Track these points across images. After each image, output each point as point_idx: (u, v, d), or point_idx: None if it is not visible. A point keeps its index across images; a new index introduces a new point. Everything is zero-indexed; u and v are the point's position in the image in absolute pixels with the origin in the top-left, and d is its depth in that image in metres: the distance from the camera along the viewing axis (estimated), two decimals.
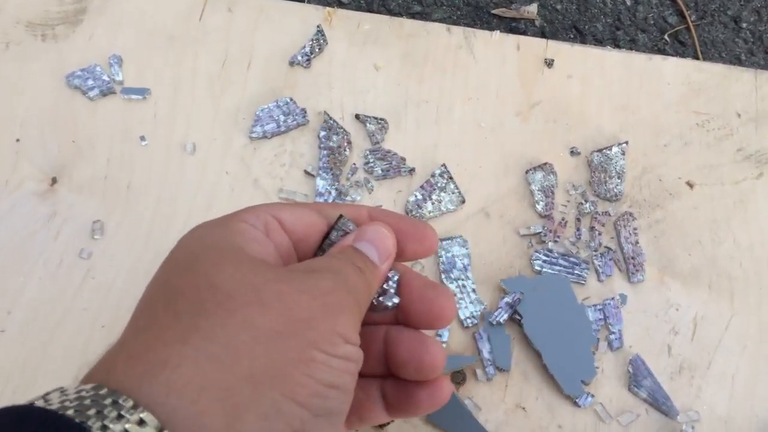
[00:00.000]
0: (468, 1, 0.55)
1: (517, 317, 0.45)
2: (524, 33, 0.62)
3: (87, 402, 0.21)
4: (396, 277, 0.33)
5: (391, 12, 0.59)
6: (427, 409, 0.33)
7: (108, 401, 0.22)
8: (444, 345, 0.45)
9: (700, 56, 0.58)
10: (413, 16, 0.56)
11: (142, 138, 0.50)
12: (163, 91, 0.52)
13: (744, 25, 0.57)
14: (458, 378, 0.44)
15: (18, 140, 0.49)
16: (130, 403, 0.22)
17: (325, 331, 0.26)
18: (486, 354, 0.44)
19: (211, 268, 0.26)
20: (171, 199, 0.48)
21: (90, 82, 0.52)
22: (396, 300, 0.33)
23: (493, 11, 0.57)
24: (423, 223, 0.34)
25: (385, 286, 0.32)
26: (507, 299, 0.45)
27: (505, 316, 0.45)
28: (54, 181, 0.48)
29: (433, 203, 0.49)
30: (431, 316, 0.32)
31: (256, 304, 0.25)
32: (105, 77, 0.52)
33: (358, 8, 0.60)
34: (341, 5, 0.61)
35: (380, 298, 0.32)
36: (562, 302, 0.46)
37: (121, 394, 0.22)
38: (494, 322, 0.45)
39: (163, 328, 0.25)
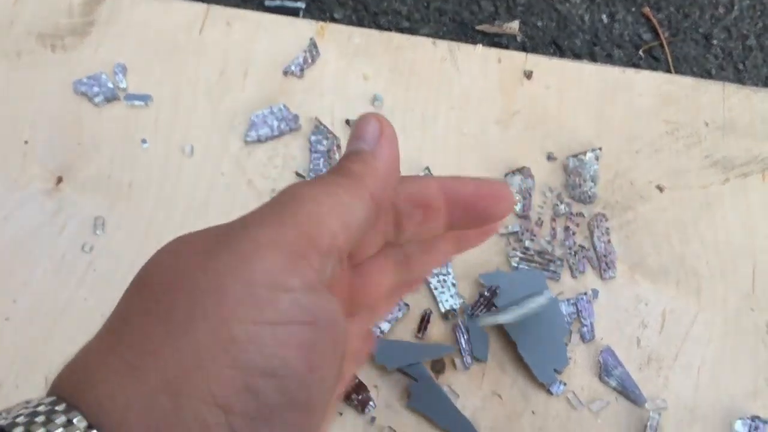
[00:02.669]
0: (453, 18, 0.59)
1: (495, 309, 0.47)
2: (506, 48, 0.65)
3: (39, 419, 0.18)
4: None
5: (381, 27, 0.63)
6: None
7: (61, 420, 0.18)
8: (420, 336, 0.47)
9: (673, 71, 0.61)
10: (402, 31, 0.59)
11: (144, 141, 0.53)
12: (165, 98, 0.55)
13: (715, 42, 0.60)
14: (438, 366, 0.46)
15: (26, 142, 0.52)
16: (84, 423, 0.18)
17: (243, 289, 0.19)
18: (464, 344, 0.47)
19: (156, 263, 0.22)
20: (169, 197, 0.51)
21: (96, 89, 0.55)
22: None
23: (477, 27, 0.60)
24: (499, 183, 0.28)
25: None
26: (485, 294, 0.48)
27: (482, 309, 0.47)
28: (59, 180, 0.51)
29: None
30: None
31: (171, 290, 0.20)
32: (110, 84, 0.55)
33: (350, 23, 0.63)
34: (334, 20, 0.65)
35: None
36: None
37: (77, 413, 0.18)
38: (471, 315, 0.47)
39: (104, 335, 0.21)
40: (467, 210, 0.27)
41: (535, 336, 0.46)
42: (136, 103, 0.55)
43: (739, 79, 0.60)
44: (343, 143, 0.53)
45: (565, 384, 0.46)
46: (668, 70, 0.63)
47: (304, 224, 0.21)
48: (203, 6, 0.58)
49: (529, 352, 0.46)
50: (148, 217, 0.50)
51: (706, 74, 0.61)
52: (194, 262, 0.21)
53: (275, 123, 0.54)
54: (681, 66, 0.61)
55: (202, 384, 0.18)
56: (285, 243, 0.20)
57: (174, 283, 0.20)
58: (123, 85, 0.55)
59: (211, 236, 0.22)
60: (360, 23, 0.63)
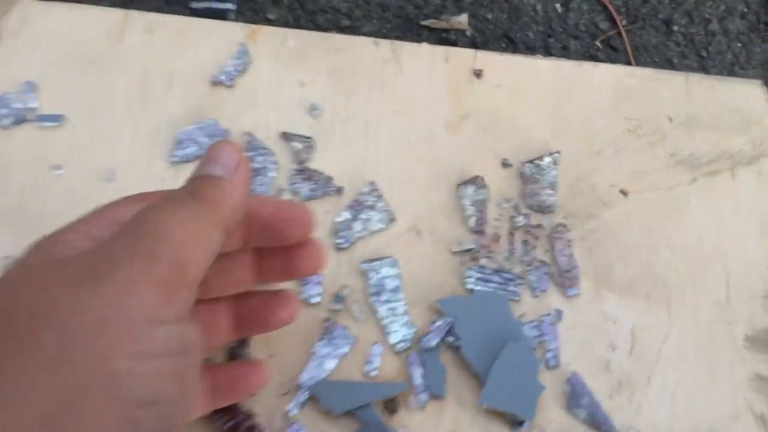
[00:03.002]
0: (397, 14, 0.54)
1: (453, 339, 0.43)
2: (455, 44, 0.61)
3: None
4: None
5: (319, 27, 0.58)
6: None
7: None
8: (375, 372, 0.43)
9: (633, 61, 0.58)
10: (342, 30, 0.54)
11: (58, 167, 0.48)
12: (80, 117, 0.49)
13: (675, 28, 0.56)
14: (390, 407, 0.42)
15: None
16: None
17: (123, 324, 0.20)
18: (419, 380, 0.43)
19: (13, 291, 0.21)
20: None
21: (2, 111, 0.49)
22: None
23: (423, 23, 0.56)
24: (301, 207, 0.30)
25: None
26: (438, 323, 0.43)
27: (437, 341, 0.43)
28: None
29: (362, 222, 0.47)
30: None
31: (36, 323, 0.19)
32: (18, 105, 0.49)
33: (286, 24, 0.58)
34: (268, 21, 0.60)
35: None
36: (499, 321, 0.44)
37: None
38: (425, 347, 0.43)
39: None
40: (265, 229, 0.28)
41: (504, 369, 0.42)
42: (48, 124, 0.49)
43: (703, 67, 0.56)
44: (279, 158, 0.49)
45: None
46: (628, 61, 0.59)
47: (173, 258, 0.22)
48: (121, 12, 0.53)
49: (498, 388, 0.42)
50: None
51: (668, 63, 0.57)
52: (63, 295, 0.20)
53: (204, 140, 0.49)
54: (641, 55, 0.57)
55: (83, 419, 0.18)
56: (158, 279, 0.21)
57: (40, 316, 0.20)
58: (33, 105, 0.50)
59: (76, 267, 0.21)
60: (296, 23, 0.58)
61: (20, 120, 0.49)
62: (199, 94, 0.51)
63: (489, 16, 0.55)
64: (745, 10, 0.58)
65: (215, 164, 0.27)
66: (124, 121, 0.49)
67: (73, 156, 0.48)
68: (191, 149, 0.49)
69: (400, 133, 0.50)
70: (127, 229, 0.23)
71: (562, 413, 0.42)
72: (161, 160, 0.48)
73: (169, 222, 0.23)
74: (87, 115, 0.49)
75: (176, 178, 0.48)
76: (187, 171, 0.48)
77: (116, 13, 0.53)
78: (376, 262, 0.46)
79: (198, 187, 0.26)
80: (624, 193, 0.48)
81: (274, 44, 0.53)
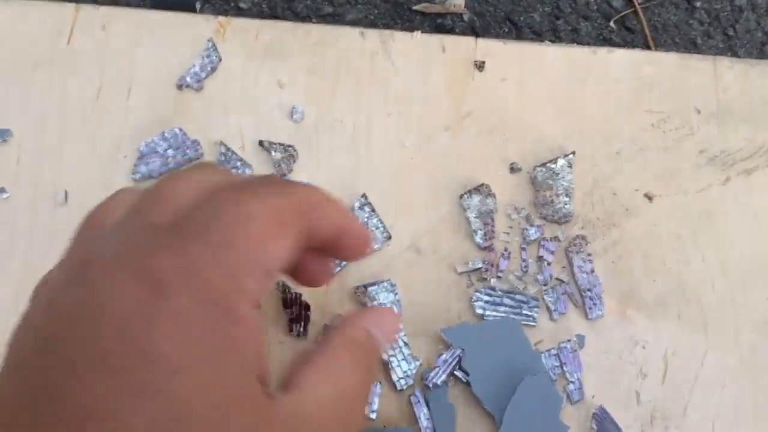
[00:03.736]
0: None
1: (462, 373, 0.38)
2: (452, 30, 0.55)
3: None
4: None
5: (298, 16, 0.51)
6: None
7: None
8: (374, 414, 0.38)
9: (651, 43, 0.52)
10: (324, 18, 0.48)
11: (2, 189, 0.42)
12: (27, 131, 0.43)
13: (698, 4, 0.50)
14: None
15: None
16: None
17: None
18: (425, 422, 0.37)
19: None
20: (40, 261, 0.40)
21: None
22: None
23: (415, 7, 0.49)
24: (365, 231, 0.27)
25: None
26: (445, 356, 0.38)
27: (443, 377, 0.38)
28: None
29: None
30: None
31: None
32: None
33: (260, 14, 0.52)
34: (240, 11, 0.53)
35: None
36: (514, 351, 0.39)
37: None
38: (431, 384, 0.38)
39: None
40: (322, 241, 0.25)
41: (522, 406, 0.37)
42: None
43: (730, 47, 0.50)
44: (257, 171, 0.43)
45: None
46: (646, 44, 0.53)
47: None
48: (71, 6, 0.46)
49: (515, 429, 0.36)
50: (14, 286, 0.40)
51: (691, 45, 0.51)
52: None
53: (170, 152, 0.43)
54: (660, 37, 0.51)
55: None
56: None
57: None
58: None
59: None
60: (272, 13, 0.52)
61: None
62: (162, 100, 0.44)
63: None
64: None
65: (377, 329, 0.26)
66: (78, 133, 0.43)
67: (20, 177, 0.42)
68: (155, 164, 0.43)
69: (394, 137, 0.44)
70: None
71: None
72: (122, 178, 0.42)
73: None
74: (35, 128, 0.43)
75: None
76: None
77: (64, 8, 0.46)
78: (371, 287, 0.40)
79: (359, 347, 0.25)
80: (649, 197, 0.43)
81: (246, 39, 0.46)
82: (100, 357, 0.17)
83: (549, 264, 0.41)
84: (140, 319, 0.18)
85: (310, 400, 0.22)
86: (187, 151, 0.43)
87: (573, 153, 0.43)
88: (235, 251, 0.20)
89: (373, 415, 0.38)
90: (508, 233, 0.42)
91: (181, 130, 0.43)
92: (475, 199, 0.42)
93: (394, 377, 0.38)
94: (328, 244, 0.25)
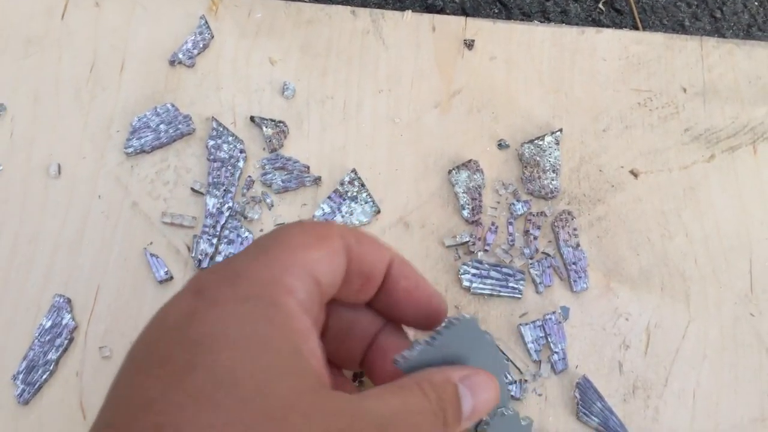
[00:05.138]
0: None
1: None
2: (442, 10, 0.55)
3: None
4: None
5: None
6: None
7: None
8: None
9: (640, 25, 0.52)
10: None
11: None
12: (21, 105, 0.44)
13: None
14: None
15: None
16: None
17: None
18: None
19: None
20: (32, 234, 0.41)
21: None
22: None
23: None
24: (439, 297, 0.28)
25: None
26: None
27: None
28: None
29: (343, 216, 0.42)
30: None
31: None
32: None
33: None
34: None
35: None
36: (478, 347, 0.34)
37: None
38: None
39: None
40: (401, 309, 0.27)
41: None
42: None
43: (717, 29, 0.51)
44: (249, 146, 0.43)
45: (531, 419, 0.37)
46: (634, 25, 0.53)
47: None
48: None
49: None
50: (6, 259, 0.40)
51: (679, 27, 0.52)
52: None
53: (162, 127, 0.44)
54: (649, 18, 0.51)
55: None
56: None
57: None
58: None
59: None
60: None
61: None
62: (155, 76, 0.45)
63: None
64: None
65: (471, 397, 0.25)
66: (71, 108, 0.44)
67: (14, 150, 0.43)
68: (148, 138, 0.43)
69: (384, 114, 0.45)
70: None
71: (572, 421, 0.38)
72: (114, 152, 0.43)
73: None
74: (28, 103, 0.44)
75: (132, 173, 0.42)
76: (145, 163, 0.43)
77: None
78: None
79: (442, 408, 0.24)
80: (634, 174, 0.43)
81: (238, 16, 0.47)
82: (154, 353, 0.21)
83: (535, 238, 0.42)
84: (181, 317, 0.21)
85: (366, 403, 0.21)
86: (179, 126, 0.44)
87: (560, 130, 0.44)
88: (271, 255, 0.23)
89: None
90: (495, 208, 0.42)
91: (173, 105, 0.44)
92: (464, 174, 0.43)
93: None
94: (391, 292, 0.27)
